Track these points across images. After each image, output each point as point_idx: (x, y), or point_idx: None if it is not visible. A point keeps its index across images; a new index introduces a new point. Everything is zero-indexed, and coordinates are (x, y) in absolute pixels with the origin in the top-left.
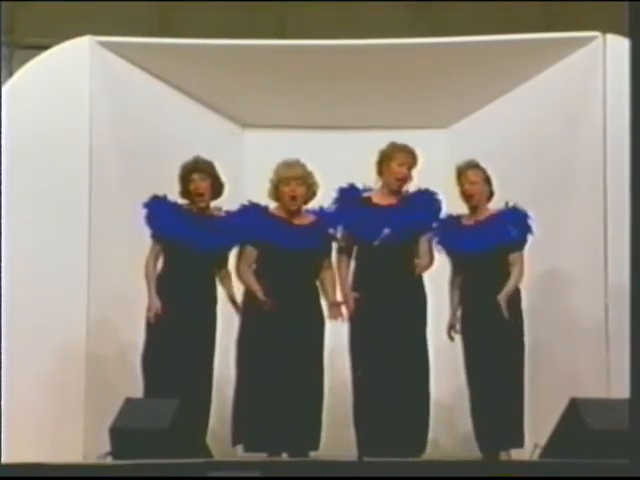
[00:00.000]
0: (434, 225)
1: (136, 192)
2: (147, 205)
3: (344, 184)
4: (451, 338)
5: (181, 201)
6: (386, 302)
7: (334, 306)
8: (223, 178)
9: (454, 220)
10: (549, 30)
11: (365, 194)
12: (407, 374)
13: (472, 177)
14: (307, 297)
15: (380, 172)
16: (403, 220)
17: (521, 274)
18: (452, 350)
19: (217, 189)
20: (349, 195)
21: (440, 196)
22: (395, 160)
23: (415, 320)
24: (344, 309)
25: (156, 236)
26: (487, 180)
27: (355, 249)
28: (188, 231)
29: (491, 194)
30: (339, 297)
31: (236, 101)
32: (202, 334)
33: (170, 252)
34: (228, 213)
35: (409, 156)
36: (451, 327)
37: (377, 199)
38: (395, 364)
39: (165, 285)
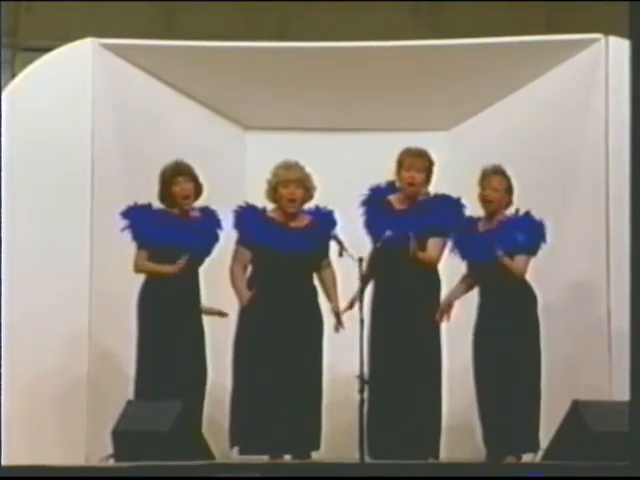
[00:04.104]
0: (448, 230)
1: (138, 194)
2: (126, 214)
3: (373, 184)
4: (441, 320)
5: (160, 206)
6: (400, 304)
7: (336, 316)
8: (201, 179)
9: (470, 225)
10: (551, 32)
11: (390, 196)
12: (420, 378)
13: (495, 184)
14: (305, 299)
15: (398, 178)
16: (414, 225)
17: (522, 272)
18: (464, 355)
19: (198, 191)
20: (375, 195)
21: (461, 199)
22: (404, 165)
23: (430, 323)
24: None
25: (143, 244)
26: (509, 189)
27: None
28: (173, 235)
29: (509, 203)
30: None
31: (238, 103)
32: (194, 336)
33: (157, 258)
34: (205, 213)
35: (416, 159)
36: (442, 312)
37: (396, 203)
38: (408, 368)
39: (155, 291)
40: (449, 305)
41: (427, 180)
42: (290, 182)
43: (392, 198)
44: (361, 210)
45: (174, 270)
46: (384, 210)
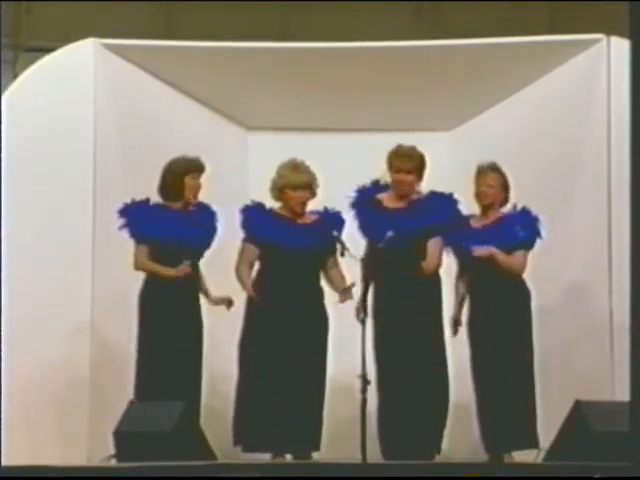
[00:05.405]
0: (445, 227)
1: (140, 194)
2: (123, 212)
3: (361, 184)
4: (454, 333)
5: (159, 199)
6: (402, 304)
7: (343, 292)
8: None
9: (462, 221)
10: (553, 32)
11: (378, 195)
12: (425, 376)
13: (490, 180)
14: (311, 297)
15: (390, 176)
16: (411, 224)
17: (522, 268)
18: (461, 351)
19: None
20: (365, 195)
21: (455, 197)
22: (392, 167)
23: (432, 322)
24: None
25: (142, 239)
26: (504, 186)
27: (366, 250)
28: (172, 229)
29: (505, 200)
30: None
31: (240, 104)
32: (193, 333)
33: (158, 254)
34: (201, 206)
35: (403, 162)
36: (455, 322)
37: (387, 202)
38: (413, 366)
39: (156, 289)
40: (457, 320)
41: (419, 178)
42: (298, 187)
43: (383, 197)
44: (352, 213)
45: (176, 274)
46: (376, 210)
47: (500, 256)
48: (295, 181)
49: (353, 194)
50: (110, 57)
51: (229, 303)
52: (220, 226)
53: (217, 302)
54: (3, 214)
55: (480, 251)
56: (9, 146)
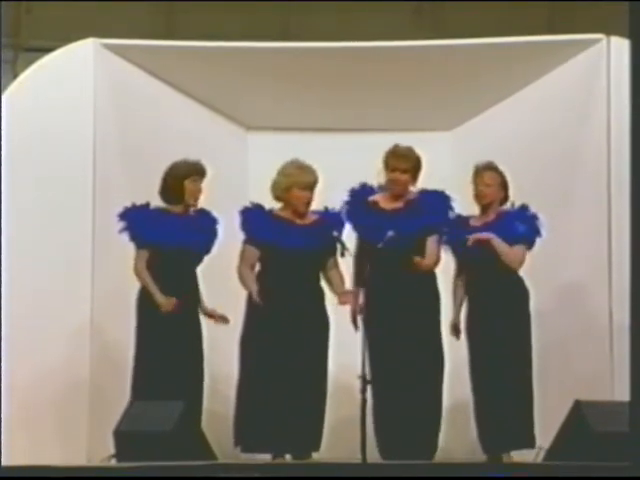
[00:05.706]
0: (443, 226)
1: (139, 194)
2: (123, 216)
3: (354, 185)
4: (456, 337)
5: (160, 203)
6: (399, 305)
7: (343, 295)
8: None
9: (462, 221)
10: (552, 32)
11: (371, 197)
12: (421, 376)
13: (487, 179)
14: (312, 298)
15: (385, 175)
16: (410, 225)
17: (519, 263)
18: (457, 351)
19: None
20: (357, 197)
21: (449, 194)
22: (388, 167)
23: (430, 322)
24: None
25: (142, 243)
26: (503, 184)
27: (359, 252)
28: (172, 233)
29: (505, 199)
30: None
31: (240, 104)
32: (193, 335)
33: (160, 256)
34: (201, 211)
35: (399, 161)
36: (455, 325)
37: (383, 203)
38: (409, 366)
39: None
40: (457, 325)
41: (413, 179)
42: (307, 185)
43: (378, 198)
44: (349, 216)
45: (164, 305)
46: (373, 212)
47: (498, 244)
48: (303, 180)
49: (347, 198)
50: (110, 57)
51: (223, 320)
52: (220, 229)
53: (208, 314)
54: (3, 214)
55: (478, 236)
56: (9, 146)
